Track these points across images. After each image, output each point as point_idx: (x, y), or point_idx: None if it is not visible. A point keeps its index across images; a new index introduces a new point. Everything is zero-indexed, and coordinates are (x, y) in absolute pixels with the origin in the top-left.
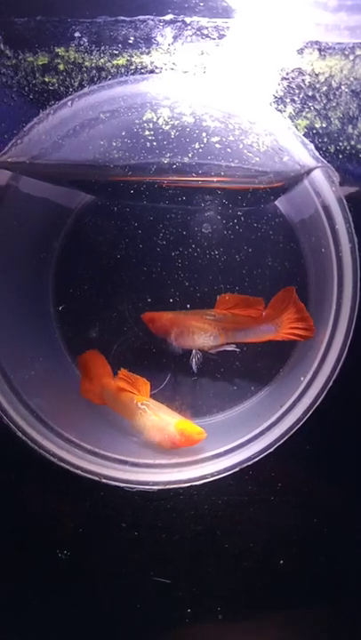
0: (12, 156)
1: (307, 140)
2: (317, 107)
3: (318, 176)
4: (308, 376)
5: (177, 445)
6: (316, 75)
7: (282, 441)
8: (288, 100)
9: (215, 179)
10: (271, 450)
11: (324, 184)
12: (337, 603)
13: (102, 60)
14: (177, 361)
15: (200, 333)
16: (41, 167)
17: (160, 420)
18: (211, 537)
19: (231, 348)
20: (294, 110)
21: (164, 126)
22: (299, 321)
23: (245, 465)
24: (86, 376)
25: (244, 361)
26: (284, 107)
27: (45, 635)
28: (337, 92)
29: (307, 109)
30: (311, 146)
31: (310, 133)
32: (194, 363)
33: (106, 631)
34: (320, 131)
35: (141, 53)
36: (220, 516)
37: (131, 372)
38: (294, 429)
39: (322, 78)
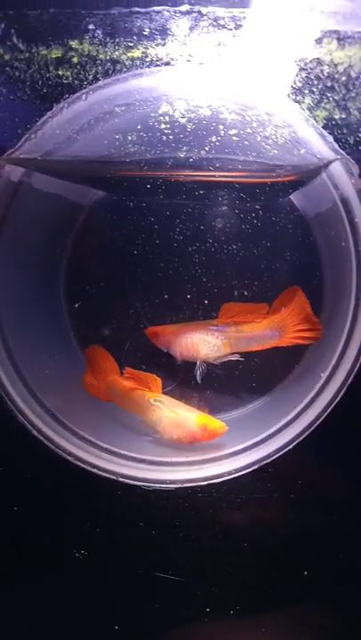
0: (25, 151)
1: (325, 132)
2: (336, 97)
3: (337, 168)
4: (327, 373)
5: (198, 440)
6: (335, 65)
7: (300, 438)
8: (306, 91)
9: (232, 173)
10: (290, 447)
11: (342, 176)
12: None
13: (117, 53)
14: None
15: (203, 344)
16: (53, 163)
17: (178, 415)
18: (229, 536)
19: (235, 357)
20: (313, 101)
21: (180, 119)
22: (303, 322)
23: (264, 463)
24: (90, 371)
25: (259, 358)
26: (303, 98)
27: (61, 634)
28: (356, 82)
29: (325, 100)
30: (330, 137)
31: (329, 124)
32: (198, 374)
33: (122, 629)
34: (339, 122)
35: (157, 45)
36: (239, 514)
37: (144, 369)
38: (313, 427)
39: (341, 68)
